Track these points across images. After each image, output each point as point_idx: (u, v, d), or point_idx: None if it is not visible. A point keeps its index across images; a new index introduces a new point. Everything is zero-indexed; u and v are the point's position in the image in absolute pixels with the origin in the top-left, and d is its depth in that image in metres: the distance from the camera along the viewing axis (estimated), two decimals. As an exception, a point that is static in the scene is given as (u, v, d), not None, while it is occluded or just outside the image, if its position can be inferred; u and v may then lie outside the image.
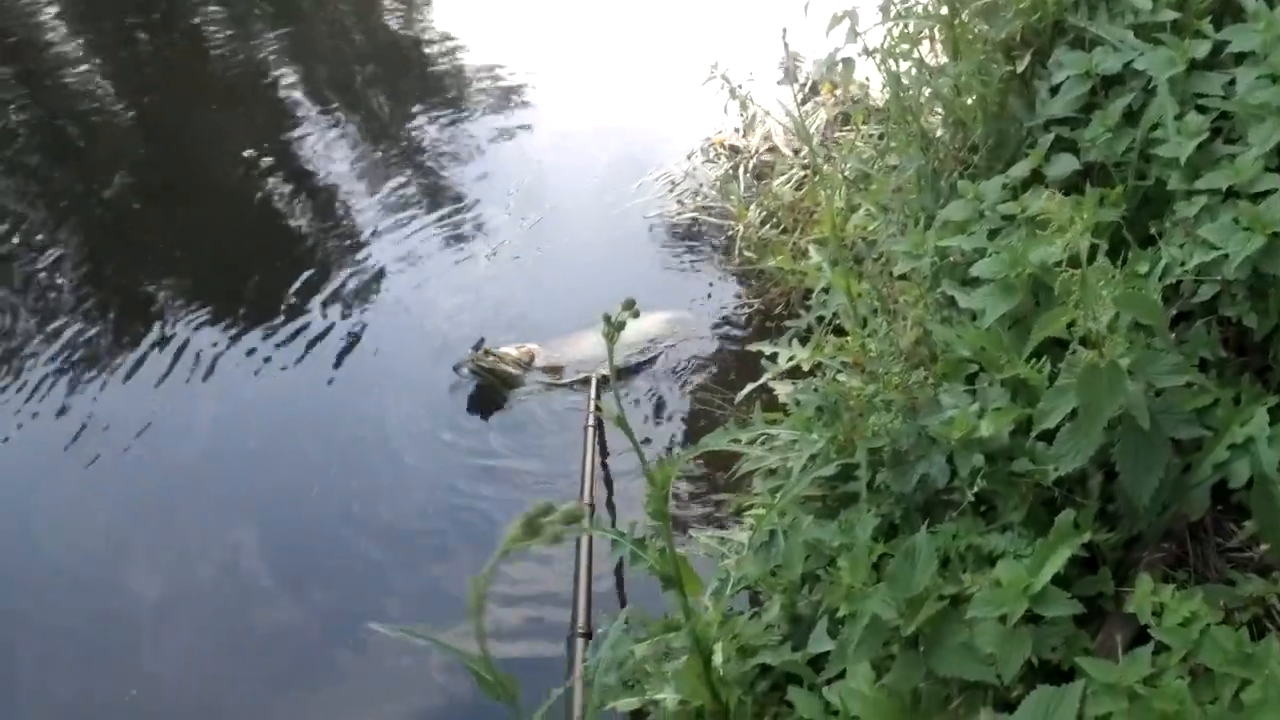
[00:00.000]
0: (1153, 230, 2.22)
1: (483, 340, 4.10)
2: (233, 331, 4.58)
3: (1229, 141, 2.27)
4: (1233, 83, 2.31)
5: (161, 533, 3.73)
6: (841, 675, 1.83)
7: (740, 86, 3.87)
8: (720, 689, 1.91)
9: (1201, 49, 2.40)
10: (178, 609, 3.45)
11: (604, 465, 3.67)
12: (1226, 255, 1.92)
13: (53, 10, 8.51)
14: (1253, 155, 2.09)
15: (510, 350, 4.09)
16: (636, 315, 1.55)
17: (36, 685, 3.28)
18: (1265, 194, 2.01)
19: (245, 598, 3.46)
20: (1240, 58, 2.37)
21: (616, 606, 3.07)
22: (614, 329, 1.50)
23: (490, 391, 4.04)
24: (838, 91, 4.18)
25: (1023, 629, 1.64)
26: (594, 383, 3.90)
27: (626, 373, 4.00)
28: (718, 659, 1.94)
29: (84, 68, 7.60)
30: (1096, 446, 1.73)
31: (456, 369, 4.05)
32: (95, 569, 3.62)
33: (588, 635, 2.79)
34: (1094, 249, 2.22)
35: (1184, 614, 1.57)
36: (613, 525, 2.92)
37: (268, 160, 5.99)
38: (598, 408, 3.72)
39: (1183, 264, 2.05)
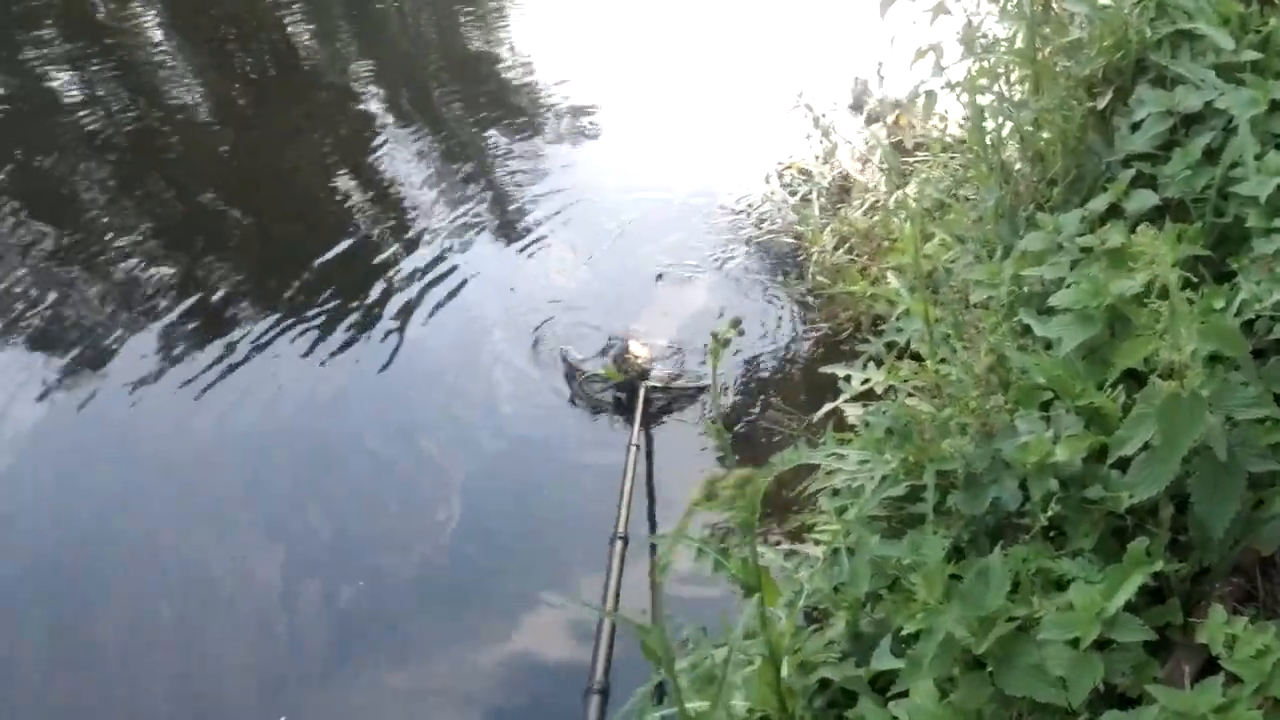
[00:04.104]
0: (1232, 266, 2.24)
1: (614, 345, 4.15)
2: (310, 327, 4.72)
3: (1310, 181, 2.29)
4: (1314, 124, 2.33)
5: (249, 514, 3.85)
6: (904, 695, 1.86)
7: (824, 115, 3.93)
8: (788, 699, 1.94)
9: (1283, 89, 2.42)
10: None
11: (649, 491, 3.62)
12: (1305, 292, 1.94)
13: (151, 19, 8.87)
14: (1334, 195, 2.11)
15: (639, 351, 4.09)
16: (742, 334, 1.60)
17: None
18: (1343, 234, 2.03)
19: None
20: (1322, 99, 2.39)
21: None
22: (719, 344, 1.56)
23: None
24: (916, 123, 4.22)
25: (1094, 654, 1.66)
26: (640, 397, 3.80)
27: (691, 392, 4.05)
28: (785, 670, 1.98)
29: (179, 77, 7.90)
30: (1173, 476, 1.75)
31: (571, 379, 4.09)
32: (183, 546, 3.73)
33: (604, 693, 2.63)
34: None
35: (1257, 646, 1.58)
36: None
37: (347, 170, 6.17)
38: (645, 427, 3.66)
39: (1260, 300, 2.07)
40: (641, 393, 3.86)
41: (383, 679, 3.23)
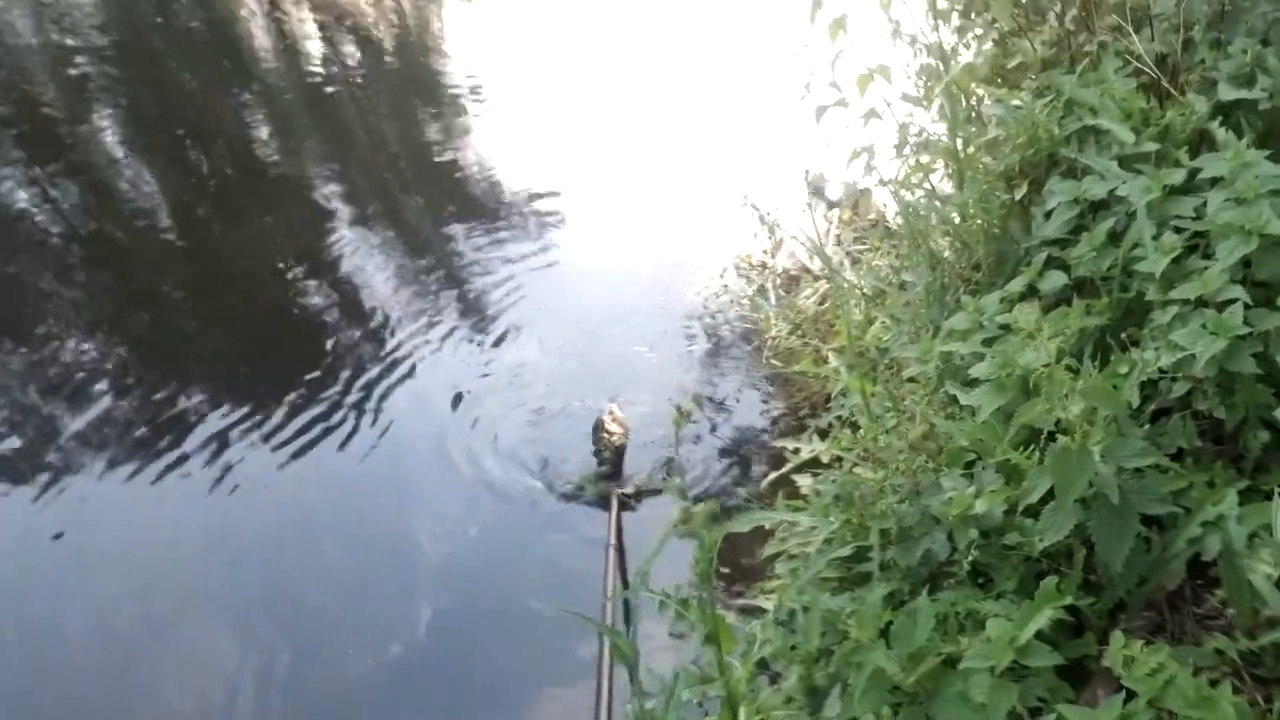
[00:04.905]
0: (1135, 336, 2.49)
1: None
2: (263, 425, 4.84)
3: (1205, 256, 2.55)
4: (1205, 204, 2.60)
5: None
6: (852, 731, 2.03)
7: (769, 214, 4.22)
8: (744, 744, 2.10)
9: (1178, 176, 2.69)
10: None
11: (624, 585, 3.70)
12: (1193, 356, 2.19)
13: (106, 117, 9.09)
14: (1218, 269, 2.37)
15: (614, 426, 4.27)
16: (695, 412, 1.80)
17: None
18: (1229, 302, 2.28)
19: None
20: (1214, 182, 2.67)
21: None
22: (684, 418, 1.76)
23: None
24: (857, 216, 4.53)
25: (1010, 681, 1.84)
26: (614, 501, 3.98)
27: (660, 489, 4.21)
28: (742, 716, 2.14)
29: (130, 172, 8.08)
30: (1073, 521, 1.97)
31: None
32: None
33: None
34: (1081, 351, 2.51)
35: (1151, 665, 1.77)
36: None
37: (309, 270, 6.36)
38: (619, 529, 3.81)
39: (1158, 364, 2.31)
40: (614, 499, 4.03)
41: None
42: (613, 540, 3.76)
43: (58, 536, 4.28)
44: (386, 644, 3.73)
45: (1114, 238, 2.76)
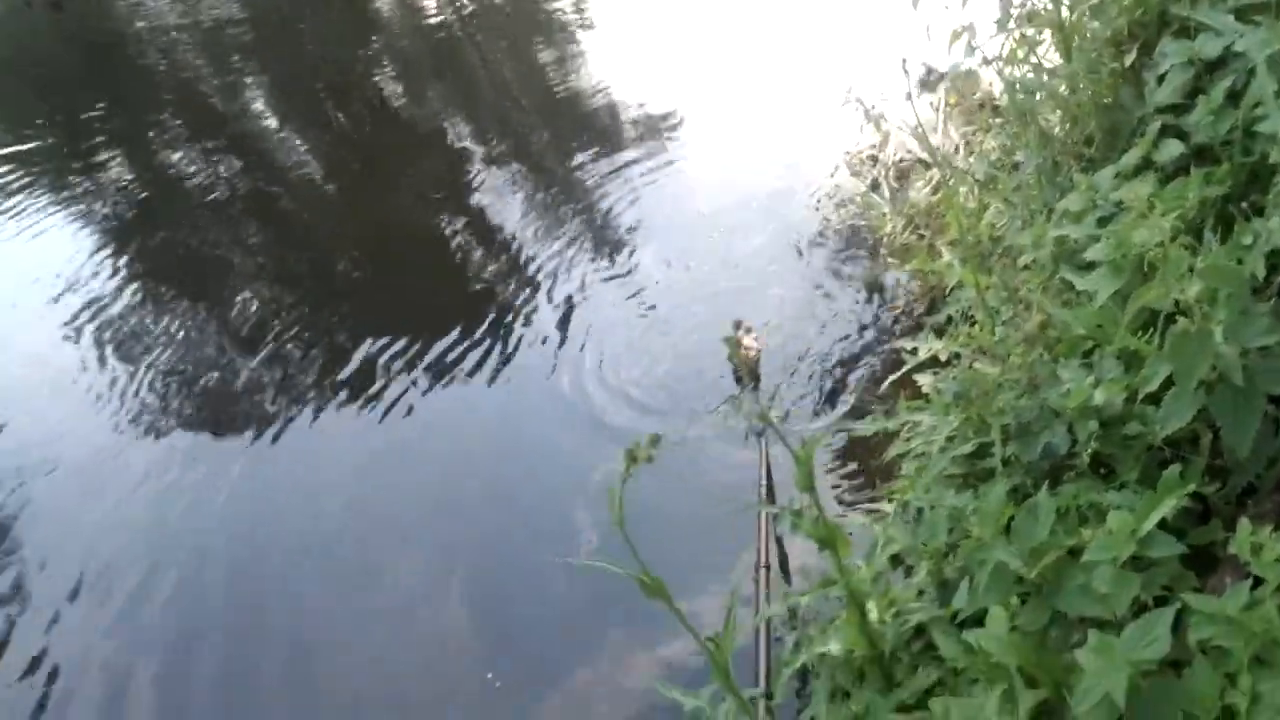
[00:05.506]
0: (1260, 203, 2.37)
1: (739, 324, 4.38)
2: (422, 357, 5.15)
3: (1335, 112, 2.40)
4: (1334, 55, 2.43)
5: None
6: (981, 624, 2.08)
7: (873, 107, 4.12)
8: (876, 639, 2.19)
9: (1300, 27, 2.52)
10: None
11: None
12: (1324, 222, 2.08)
13: (252, 86, 9.60)
14: (1348, 125, 2.23)
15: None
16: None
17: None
18: (1362, 160, 2.15)
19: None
20: (1341, 31, 2.49)
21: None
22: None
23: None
24: (964, 99, 4.37)
25: (1131, 571, 1.85)
26: (764, 443, 3.82)
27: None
28: (873, 613, 2.22)
29: (281, 134, 8.59)
30: (1195, 407, 1.93)
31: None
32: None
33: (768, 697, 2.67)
34: (1202, 223, 2.41)
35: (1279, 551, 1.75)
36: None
37: (443, 208, 6.71)
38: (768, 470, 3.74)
39: (1282, 232, 2.20)
40: (764, 442, 3.86)
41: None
42: (763, 480, 3.67)
43: (262, 463, 4.73)
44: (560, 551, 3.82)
45: (1233, 98, 2.62)
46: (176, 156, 8.58)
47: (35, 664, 3.84)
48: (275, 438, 4.86)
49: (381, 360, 5.19)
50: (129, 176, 8.43)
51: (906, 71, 2.70)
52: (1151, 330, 2.27)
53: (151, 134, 9.16)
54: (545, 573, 3.73)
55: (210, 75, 10.74)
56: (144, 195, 8.02)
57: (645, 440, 1.75)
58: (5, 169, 8.86)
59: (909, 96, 3.01)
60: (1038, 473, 2.32)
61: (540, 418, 4.61)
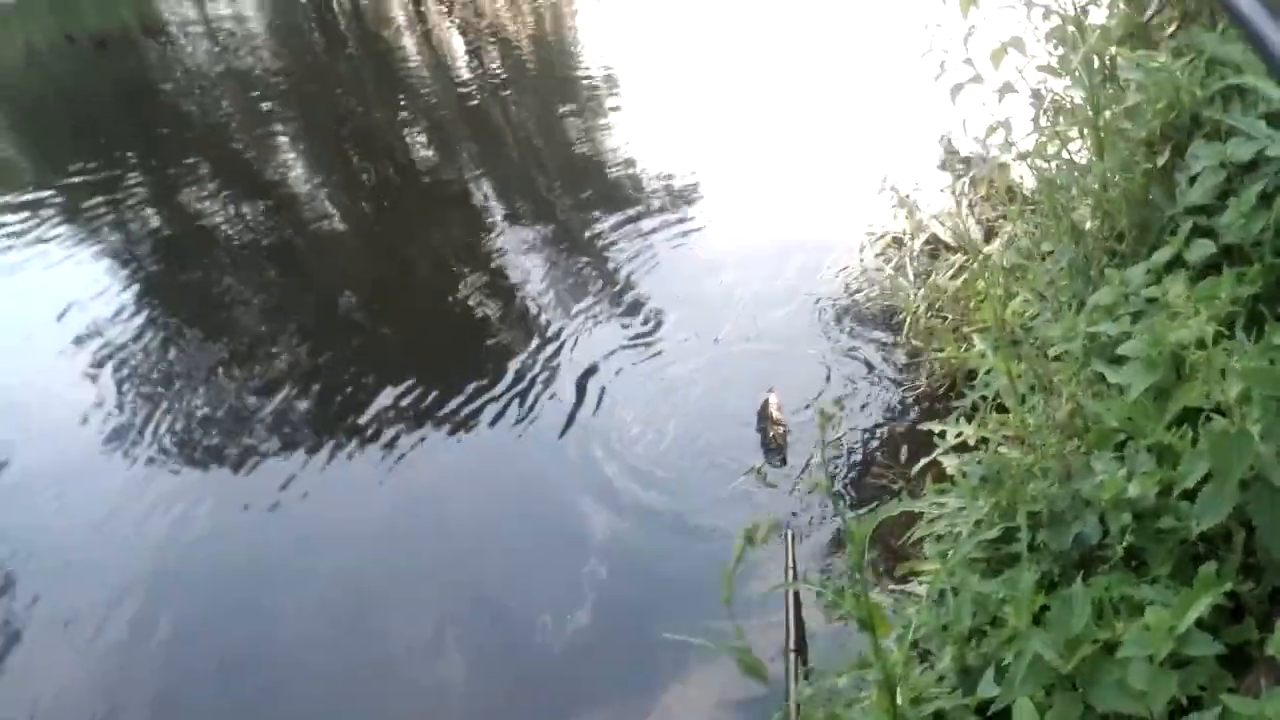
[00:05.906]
0: (1291, 305, 2.42)
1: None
2: (436, 408, 5.20)
3: (1365, 219, 2.45)
4: (1363, 163, 2.49)
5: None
6: (1000, 716, 2.07)
7: (908, 195, 4.20)
8: (902, 723, 2.17)
9: (1332, 132, 2.59)
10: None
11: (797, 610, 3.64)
12: (1356, 327, 2.12)
13: (282, 137, 9.77)
14: (1381, 232, 2.28)
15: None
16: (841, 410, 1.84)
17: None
18: (1393, 268, 2.20)
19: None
20: (1372, 139, 2.55)
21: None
22: (826, 420, 1.84)
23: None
24: (994, 190, 4.45)
25: (1169, 669, 1.86)
26: (789, 530, 3.86)
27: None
28: (900, 697, 2.21)
29: (309, 184, 8.72)
30: (1232, 504, 1.94)
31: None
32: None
33: None
34: (1233, 322, 2.45)
35: (1319, 654, 1.76)
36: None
37: (464, 264, 6.80)
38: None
39: (1318, 336, 2.24)
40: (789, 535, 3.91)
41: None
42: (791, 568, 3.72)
43: (272, 508, 4.76)
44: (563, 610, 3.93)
45: (1264, 200, 2.67)
46: (205, 201, 8.72)
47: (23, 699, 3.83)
48: (285, 484, 4.88)
49: (395, 412, 5.24)
50: (157, 220, 8.55)
51: (945, 157, 2.76)
52: (1184, 425, 2.30)
53: (182, 178, 9.31)
54: (546, 629, 3.74)
55: (242, 123, 10.94)
56: (169, 235, 8.14)
57: (764, 524, 1.80)
58: (38, 208, 8.98)
59: (945, 185, 3.08)
60: (1066, 561, 2.33)
61: (548, 478, 4.65)
